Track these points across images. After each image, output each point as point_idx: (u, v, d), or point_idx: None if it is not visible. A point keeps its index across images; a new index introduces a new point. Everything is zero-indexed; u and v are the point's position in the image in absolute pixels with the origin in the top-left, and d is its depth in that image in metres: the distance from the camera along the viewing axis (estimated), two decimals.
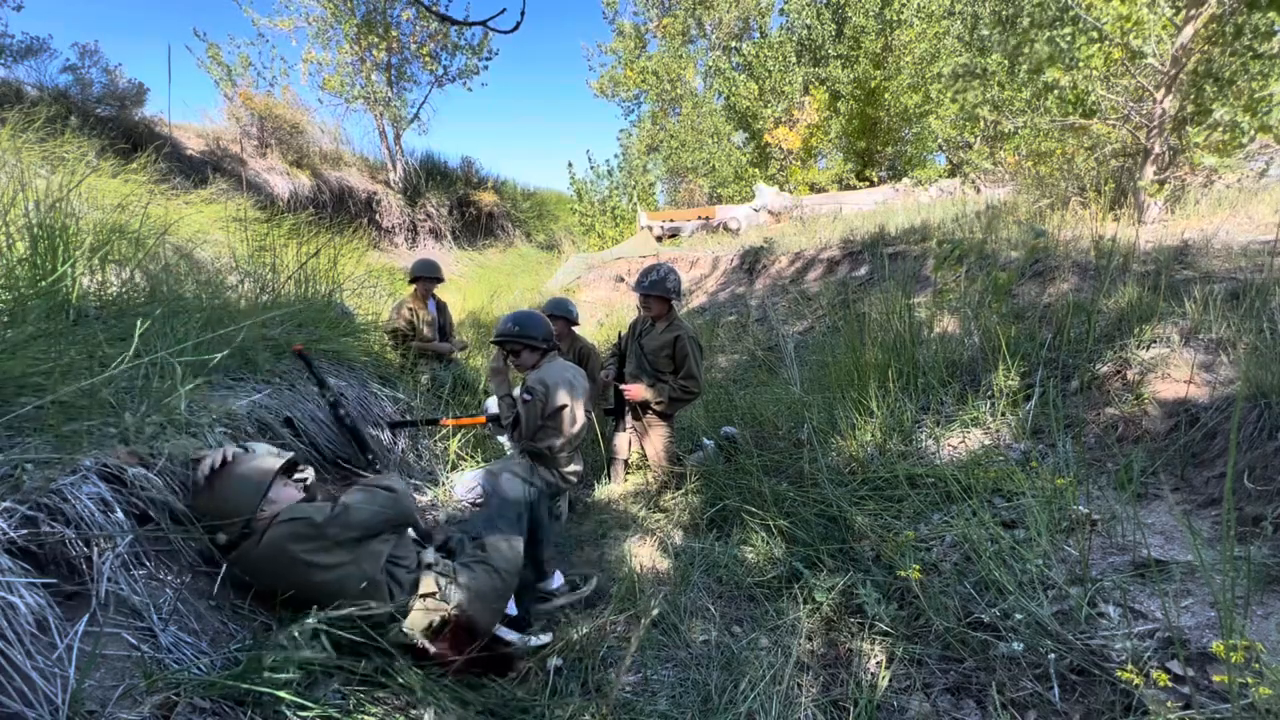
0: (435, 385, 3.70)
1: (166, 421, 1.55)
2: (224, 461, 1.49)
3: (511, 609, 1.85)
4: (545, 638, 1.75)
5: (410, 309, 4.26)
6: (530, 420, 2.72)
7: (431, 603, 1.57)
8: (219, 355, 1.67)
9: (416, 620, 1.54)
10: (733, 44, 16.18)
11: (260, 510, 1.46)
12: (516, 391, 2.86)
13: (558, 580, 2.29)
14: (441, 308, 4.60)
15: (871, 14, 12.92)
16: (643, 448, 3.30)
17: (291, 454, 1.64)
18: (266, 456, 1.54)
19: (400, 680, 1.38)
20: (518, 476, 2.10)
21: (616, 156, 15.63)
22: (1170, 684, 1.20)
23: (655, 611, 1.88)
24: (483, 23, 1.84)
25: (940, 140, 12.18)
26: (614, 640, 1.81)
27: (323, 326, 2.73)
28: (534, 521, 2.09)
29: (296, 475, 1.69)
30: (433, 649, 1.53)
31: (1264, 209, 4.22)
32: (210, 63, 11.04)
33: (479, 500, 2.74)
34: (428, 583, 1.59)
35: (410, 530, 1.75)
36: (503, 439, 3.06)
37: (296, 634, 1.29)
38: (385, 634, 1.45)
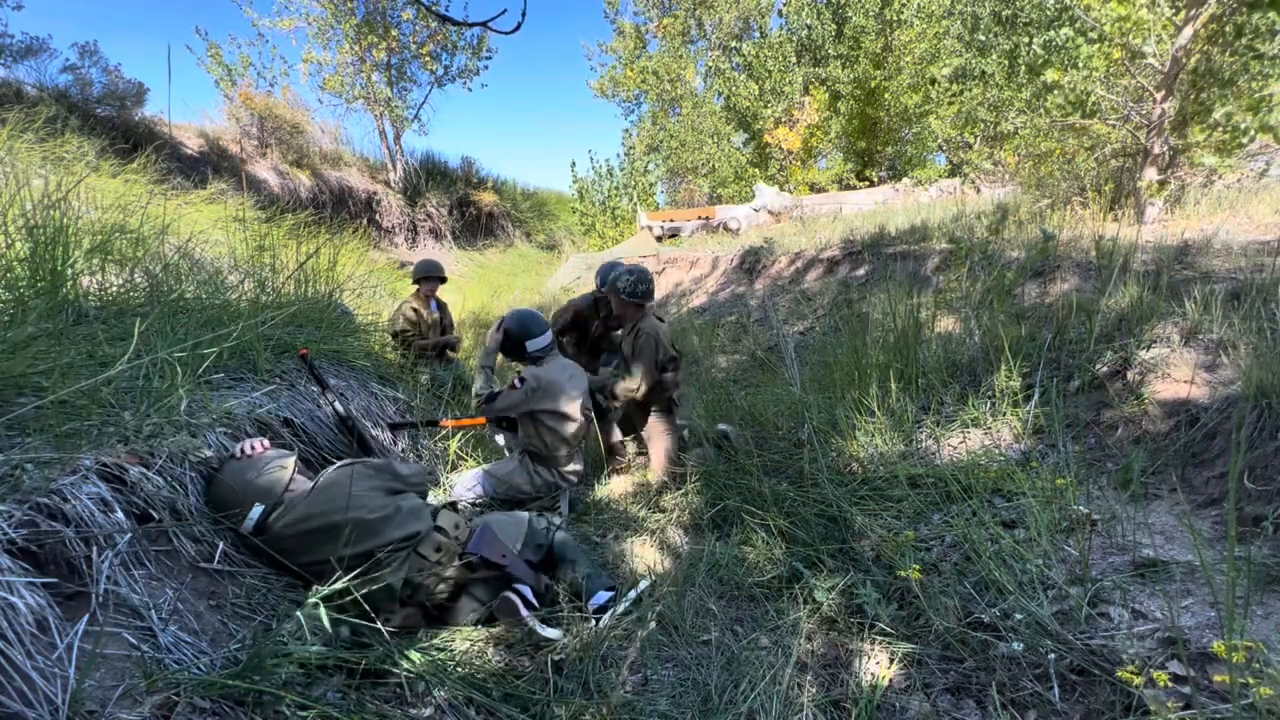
0: (435, 385, 3.71)
1: (166, 421, 1.55)
2: (255, 450, 1.68)
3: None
4: (554, 632, 1.74)
5: (414, 309, 4.27)
6: (509, 404, 2.72)
7: (451, 512, 1.84)
8: (216, 350, 1.68)
9: (445, 518, 1.78)
10: (733, 44, 16.17)
11: (287, 492, 1.63)
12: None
13: (602, 597, 1.92)
14: (443, 308, 4.62)
15: (871, 14, 12.91)
16: (646, 446, 3.30)
17: (296, 452, 1.84)
18: (288, 456, 1.73)
19: (405, 669, 1.38)
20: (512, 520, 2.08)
21: (620, 156, 15.59)
22: (1171, 684, 1.20)
23: (657, 609, 1.88)
24: (484, 24, 1.84)
25: (940, 140, 12.17)
26: (614, 640, 1.80)
27: (323, 327, 2.73)
28: (553, 552, 2.06)
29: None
30: (458, 560, 1.74)
31: (1264, 209, 4.21)
32: (210, 62, 11.05)
33: (479, 500, 2.74)
34: (447, 507, 1.88)
35: None
36: (499, 439, 3.06)
37: (309, 610, 1.33)
38: (418, 542, 1.68)
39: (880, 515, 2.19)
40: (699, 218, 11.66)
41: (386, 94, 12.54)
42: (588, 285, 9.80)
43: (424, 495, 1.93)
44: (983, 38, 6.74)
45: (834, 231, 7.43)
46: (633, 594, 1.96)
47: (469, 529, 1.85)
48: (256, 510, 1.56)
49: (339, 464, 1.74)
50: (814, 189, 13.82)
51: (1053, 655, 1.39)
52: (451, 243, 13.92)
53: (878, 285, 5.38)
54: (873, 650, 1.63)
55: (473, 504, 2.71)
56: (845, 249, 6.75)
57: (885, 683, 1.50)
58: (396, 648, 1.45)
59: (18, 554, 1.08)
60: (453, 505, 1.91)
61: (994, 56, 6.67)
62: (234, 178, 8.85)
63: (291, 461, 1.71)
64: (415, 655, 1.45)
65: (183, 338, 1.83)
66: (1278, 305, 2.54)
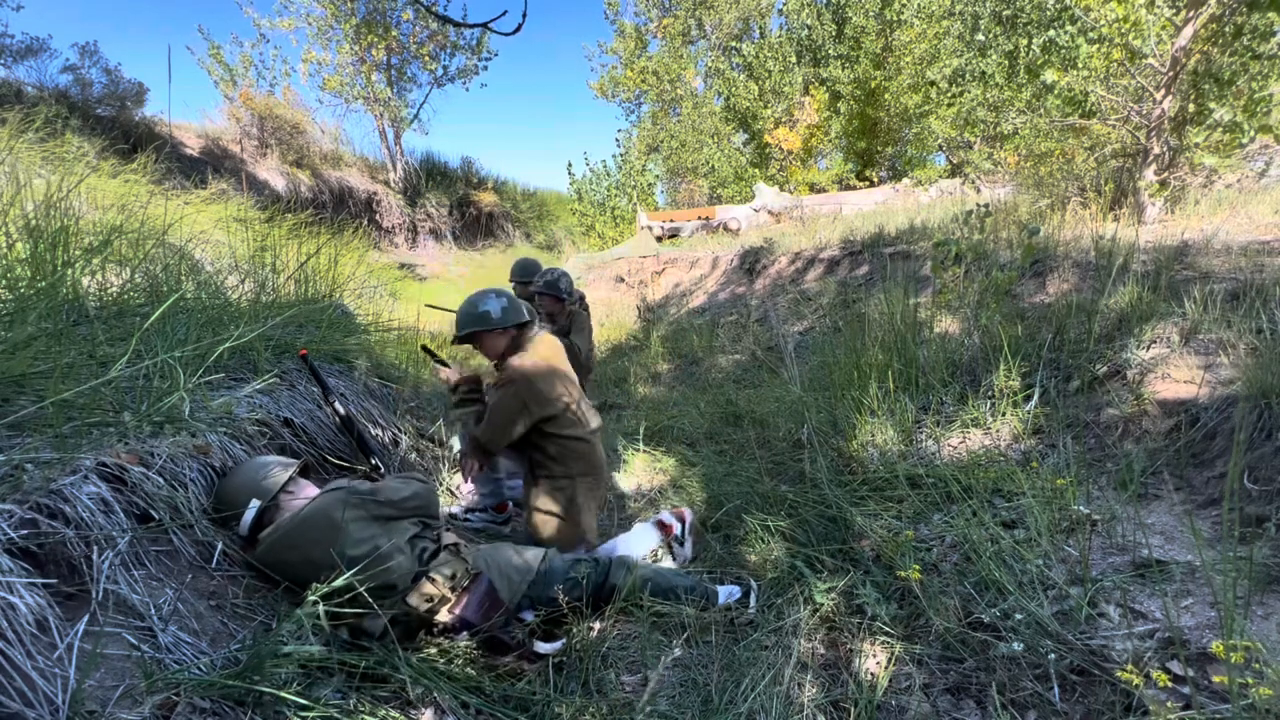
0: None
1: (166, 421, 1.55)
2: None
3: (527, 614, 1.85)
4: (554, 646, 1.74)
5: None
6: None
7: (450, 557, 1.69)
8: (218, 350, 1.68)
9: (441, 564, 1.66)
10: (733, 44, 16.17)
11: (279, 497, 1.60)
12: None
13: (734, 592, 2.02)
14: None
15: (871, 14, 12.90)
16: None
17: (304, 459, 1.84)
18: (291, 462, 1.71)
19: (402, 674, 1.38)
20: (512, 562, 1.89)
21: (616, 156, 15.57)
22: (1170, 684, 1.20)
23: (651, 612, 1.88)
24: (484, 25, 1.84)
25: (940, 140, 12.18)
26: (614, 640, 1.80)
27: (323, 327, 2.73)
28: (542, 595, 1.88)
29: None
30: (449, 613, 1.62)
31: (1264, 209, 4.21)
32: (211, 62, 11.06)
33: (481, 502, 2.74)
34: (448, 549, 1.73)
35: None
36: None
37: (304, 615, 1.32)
38: (403, 596, 1.58)
39: (880, 515, 2.19)
40: (699, 218, 11.65)
41: (386, 94, 12.55)
42: (588, 285, 9.80)
43: (430, 515, 1.77)
44: (982, 37, 6.75)
45: (834, 231, 7.43)
46: (752, 595, 1.98)
47: (470, 574, 1.70)
48: (253, 507, 1.54)
49: (329, 488, 1.63)
50: (814, 189, 13.80)
51: (1053, 655, 1.39)
52: (451, 243, 13.93)
53: (877, 285, 5.38)
54: (873, 650, 1.63)
55: (476, 509, 2.72)
56: (845, 249, 6.75)
57: (885, 683, 1.50)
58: (396, 650, 1.45)
59: (18, 554, 1.08)
60: (455, 547, 1.75)
61: (994, 57, 6.68)
62: (234, 178, 8.84)
63: (294, 465, 1.68)
64: (415, 657, 1.45)
65: (183, 339, 1.83)
66: (1278, 305, 2.54)
